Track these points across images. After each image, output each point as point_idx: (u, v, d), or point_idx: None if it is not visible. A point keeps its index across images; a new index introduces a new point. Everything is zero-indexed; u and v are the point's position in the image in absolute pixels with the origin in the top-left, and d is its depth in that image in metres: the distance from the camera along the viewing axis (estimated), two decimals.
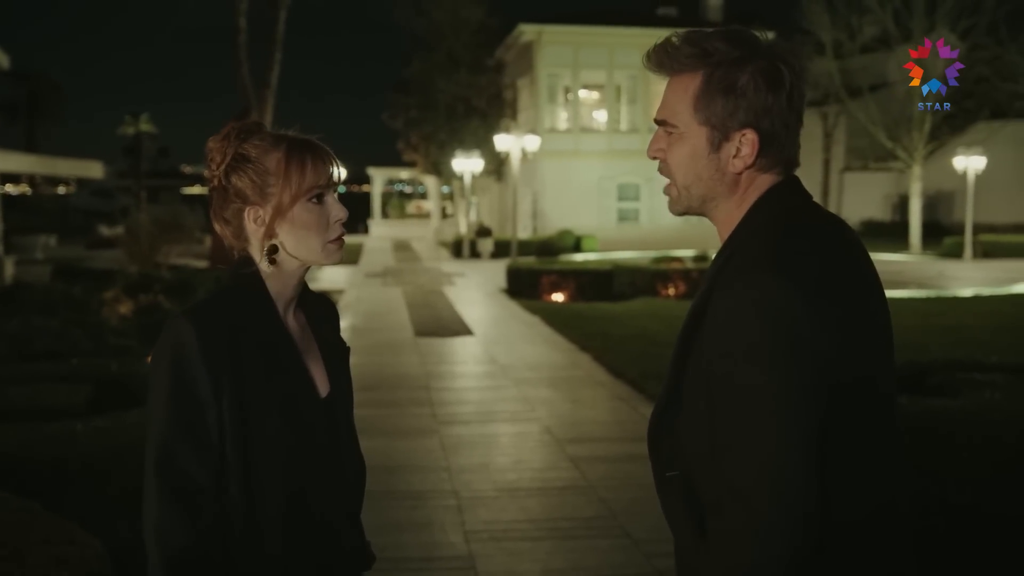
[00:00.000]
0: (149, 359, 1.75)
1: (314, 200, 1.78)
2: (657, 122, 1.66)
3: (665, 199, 1.69)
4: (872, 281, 1.61)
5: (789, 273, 1.46)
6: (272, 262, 1.79)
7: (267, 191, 1.76)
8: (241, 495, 1.72)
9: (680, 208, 1.68)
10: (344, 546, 1.88)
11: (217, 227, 1.84)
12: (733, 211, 1.62)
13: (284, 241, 1.79)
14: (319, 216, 1.79)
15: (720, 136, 1.58)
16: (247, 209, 1.78)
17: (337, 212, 1.81)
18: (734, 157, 1.58)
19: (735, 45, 1.56)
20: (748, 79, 1.55)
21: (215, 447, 1.70)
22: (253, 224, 1.79)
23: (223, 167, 1.78)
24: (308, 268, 1.85)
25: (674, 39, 1.60)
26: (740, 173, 1.59)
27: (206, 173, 1.82)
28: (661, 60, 1.62)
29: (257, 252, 1.81)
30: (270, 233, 1.78)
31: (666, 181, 1.68)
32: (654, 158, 1.68)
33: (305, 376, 1.83)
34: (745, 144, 1.57)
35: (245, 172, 1.77)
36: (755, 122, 1.56)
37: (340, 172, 1.84)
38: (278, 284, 1.82)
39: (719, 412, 1.48)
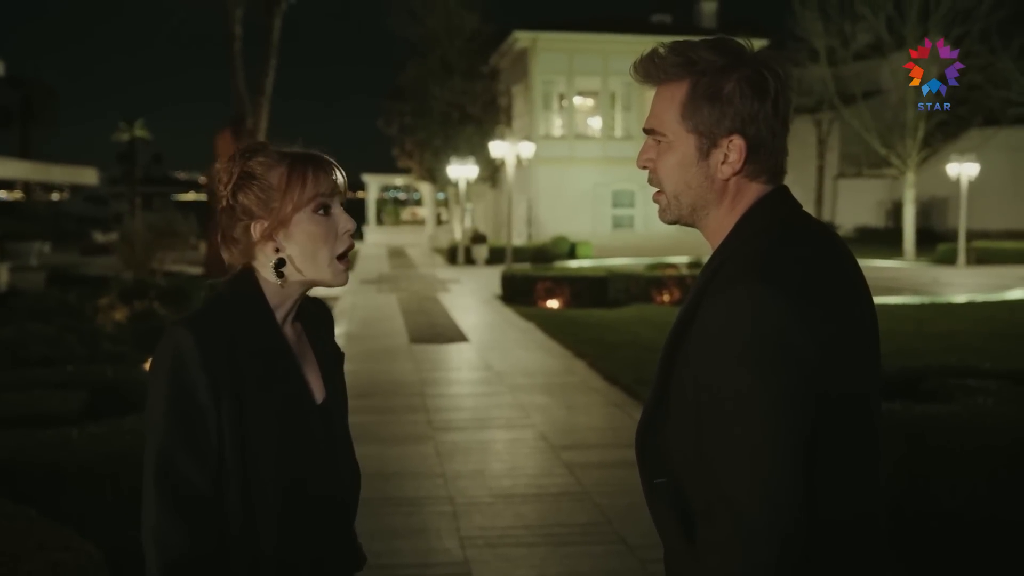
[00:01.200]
0: (148, 366, 1.76)
1: (321, 212, 1.80)
2: (646, 131, 1.67)
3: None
4: (860, 289, 1.62)
5: (778, 282, 1.47)
6: (280, 275, 1.80)
7: (271, 205, 1.78)
8: (238, 501, 1.73)
9: (670, 217, 1.69)
10: (338, 550, 1.90)
11: (225, 253, 1.84)
12: (723, 220, 1.63)
13: (292, 255, 1.80)
14: (327, 228, 1.80)
15: (708, 143, 1.59)
16: (253, 224, 1.79)
17: (345, 223, 1.82)
18: (722, 164, 1.59)
19: (720, 53, 1.58)
20: (734, 86, 1.57)
21: (214, 453, 1.71)
22: (258, 237, 1.80)
23: (231, 187, 1.80)
24: (311, 287, 1.85)
25: (660, 49, 1.62)
26: (728, 180, 1.61)
27: (217, 192, 1.84)
28: (648, 70, 1.64)
29: (262, 266, 1.82)
30: (271, 240, 1.79)
31: (656, 190, 1.69)
32: (644, 167, 1.69)
33: (302, 383, 1.84)
34: (733, 151, 1.58)
35: (251, 189, 1.79)
36: (742, 129, 1.58)
37: (345, 182, 1.85)
38: (279, 296, 1.83)
39: (707, 420, 1.49)
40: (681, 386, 1.57)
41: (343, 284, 1.85)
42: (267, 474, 1.74)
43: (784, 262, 1.51)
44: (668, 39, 1.65)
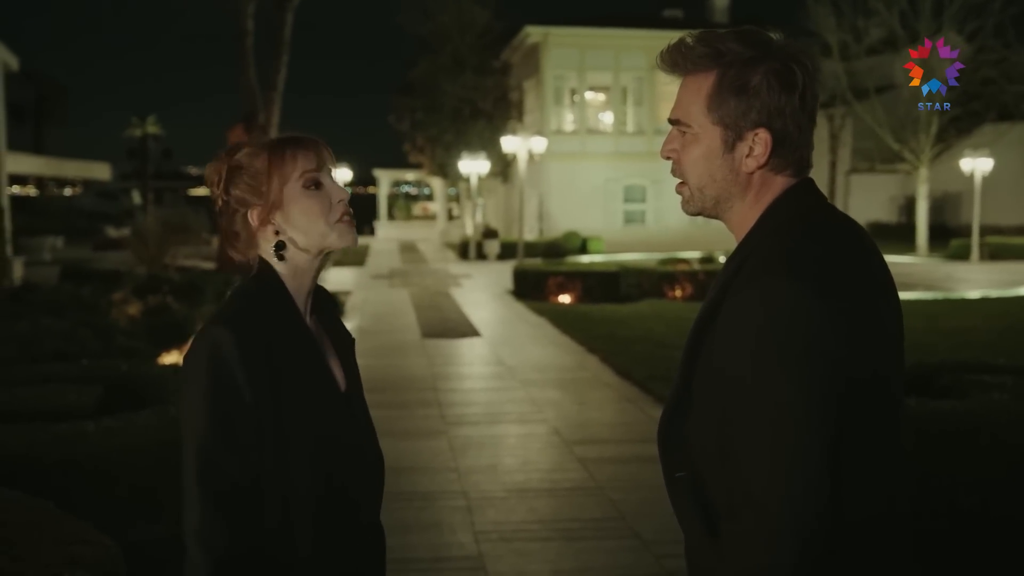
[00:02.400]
0: (182, 364, 1.77)
1: (311, 187, 1.82)
2: (671, 122, 1.66)
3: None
4: (885, 283, 1.61)
5: (803, 276, 1.46)
6: (280, 258, 1.83)
7: (261, 190, 1.82)
8: (278, 494, 1.74)
9: (693, 208, 1.68)
10: (370, 536, 1.92)
11: (229, 248, 1.89)
12: (747, 213, 1.62)
13: (293, 236, 1.83)
14: (319, 201, 1.83)
15: (734, 136, 1.58)
16: (249, 212, 1.84)
17: (338, 193, 1.85)
18: (747, 157, 1.58)
19: (748, 45, 1.57)
20: (761, 79, 1.55)
21: (255, 450, 1.72)
22: (256, 223, 1.84)
23: (223, 184, 1.85)
24: (323, 262, 1.88)
25: (688, 39, 1.60)
26: (753, 173, 1.60)
27: (212, 193, 1.88)
28: (675, 60, 1.62)
29: (268, 254, 1.85)
30: (266, 221, 1.82)
31: (677, 181, 1.68)
32: (667, 158, 1.68)
33: (329, 373, 1.86)
34: (758, 144, 1.57)
35: (240, 179, 1.83)
36: (768, 122, 1.56)
37: (330, 155, 1.87)
38: (295, 283, 1.85)
39: (731, 415, 1.49)
40: (704, 381, 1.57)
41: (352, 244, 1.87)
42: (304, 466, 1.76)
43: (809, 256, 1.50)
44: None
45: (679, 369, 1.64)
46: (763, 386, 1.44)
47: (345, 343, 1.97)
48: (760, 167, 1.59)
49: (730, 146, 1.59)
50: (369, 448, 1.94)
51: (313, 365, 1.82)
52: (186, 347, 10.31)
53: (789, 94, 1.56)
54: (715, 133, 1.60)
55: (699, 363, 1.59)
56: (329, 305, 1.99)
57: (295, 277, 1.85)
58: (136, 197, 67.42)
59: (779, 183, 1.61)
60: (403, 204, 56.99)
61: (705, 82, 1.59)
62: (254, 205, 1.82)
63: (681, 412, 1.63)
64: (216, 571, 1.66)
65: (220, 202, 1.86)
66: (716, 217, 1.67)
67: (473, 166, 32.93)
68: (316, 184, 1.83)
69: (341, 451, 1.82)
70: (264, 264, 1.85)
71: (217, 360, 1.70)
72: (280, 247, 1.82)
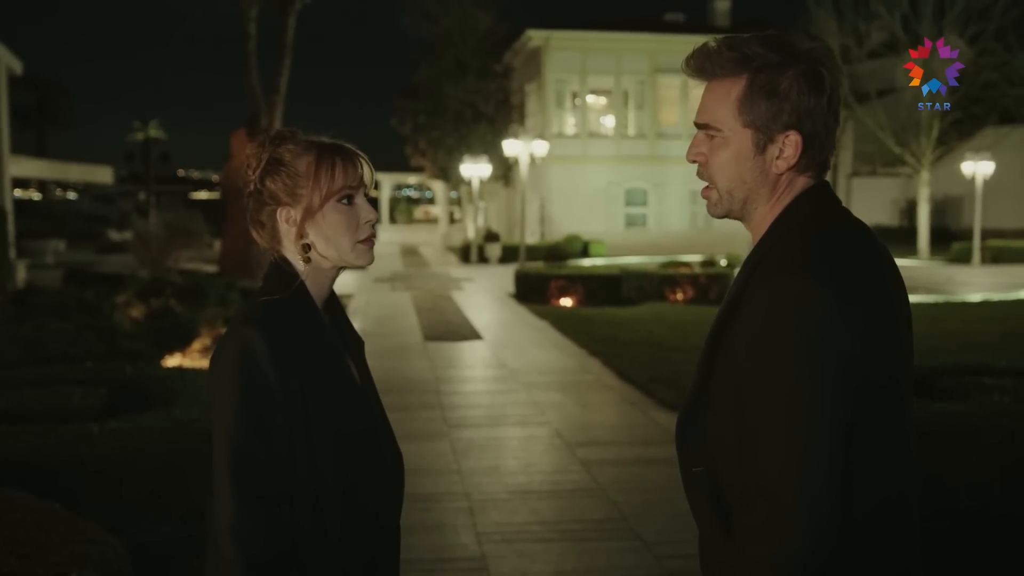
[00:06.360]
0: (210, 364, 1.79)
1: (344, 201, 1.84)
2: (698, 126, 1.69)
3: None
4: (896, 283, 1.66)
5: (818, 276, 1.50)
6: (307, 260, 1.84)
7: (298, 192, 1.82)
8: (308, 492, 1.76)
9: (721, 211, 1.71)
10: (392, 532, 1.94)
11: (254, 232, 1.89)
12: (767, 214, 1.66)
13: (315, 242, 1.84)
14: (349, 217, 1.84)
15: (765, 138, 1.61)
16: (279, 210, 1.84)
17: (367, 213, 1.87)
18: (777, 159, 1.62)
19: (775, 50, 1.60)
20: (791, 82, 1.59)
21: (287, 447, 1.74)
22: (285, 224, 1.84)
23: (259, 172, 1.84)
24: (341, 270, 1.90)
25: (713, 44, 1.64)
26: (781, 174, 1.63)
27: (247, 176, 1.87)
28: (702, 65, 1.65)
29: (291, 253, 1.86)
30: (301, 233, 1.83)
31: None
32: (694, 161, 1.71)
33: (350, 374, 1.89)
34: (788, 146, 1.61)
35: (278, 175, 1.83)
36: (798, 124, 1.60)
37: (371, 174, 1.89)
38: (315, 286, 1.87)
39: (748, 410, 1.53)
40: (723, 378, 1.61)
41: (369, 263, 1.89)
42: (330, 465, 1.78)
43: (823, 257, 1.55)
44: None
45: (698, 367, 1.69)
46: (778, 382, 1.48)
47: (356, 345, 1.99)
48: (789, 168, 1.63)
49: (761, 148, 1.62)
50: (388, 448, 1.96)
51: (336, 366, 1.85)
52: (189, 349, 10.28)
53: (818, 96, 1.60)
54: (746, 136, 1.63)
55: (718, 360, 1.63)
56: (339, 308, 2.02)
57: (316, 280, 1.87)
58: (141, 198, 67.36)
59: (798, 184, 1.65)
60: (405, 207, 57.12)
61: (734, 86, 1.62)
62: (285, 204, 1.83)
63: (700, 408, 1.67)
64: (252, 569, 1.67)
65: (252, 187, 1.86)
66: (742, 219, 1.70)
67: (475, 169, 32.94)
68: (349, 199, 1.84)
69: (364, 450, 1.85)
70: (288, 265, 1.86)
71: (248, 359, 1.71)
72: (306, 249, 1.84)
